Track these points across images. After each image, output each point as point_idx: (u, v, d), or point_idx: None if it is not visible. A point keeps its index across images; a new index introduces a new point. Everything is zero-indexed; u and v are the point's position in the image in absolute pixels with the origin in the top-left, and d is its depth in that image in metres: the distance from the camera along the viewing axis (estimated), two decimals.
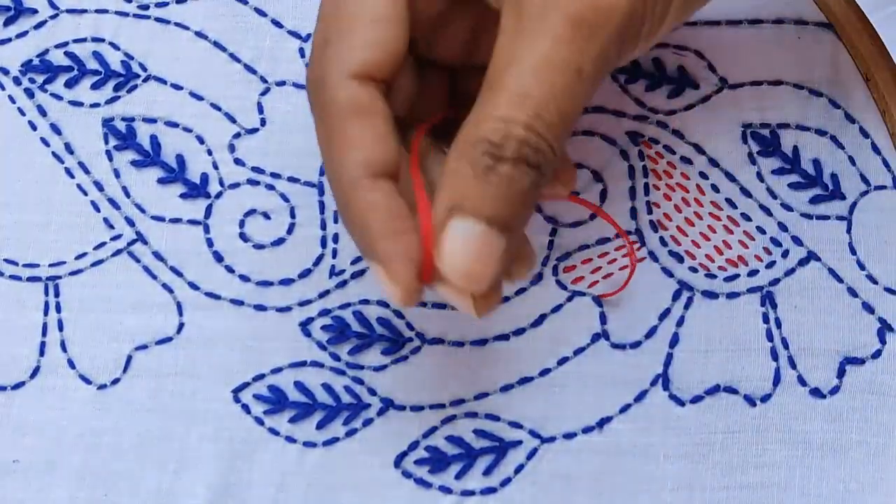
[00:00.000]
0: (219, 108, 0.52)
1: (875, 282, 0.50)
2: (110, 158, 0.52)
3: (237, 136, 0.52)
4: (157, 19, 0.53)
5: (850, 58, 0.52)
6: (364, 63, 0.40)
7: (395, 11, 0.41)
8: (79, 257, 0.51)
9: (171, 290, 0.50)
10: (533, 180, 0.38)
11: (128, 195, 0.51)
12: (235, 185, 0.51)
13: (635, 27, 0.40)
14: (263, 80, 0.53)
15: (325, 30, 0.41)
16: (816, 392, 0.49)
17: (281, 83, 0.53)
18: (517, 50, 0.38)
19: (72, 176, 0.51)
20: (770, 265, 0.50)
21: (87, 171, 0.51)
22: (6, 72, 0.53)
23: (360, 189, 0.40)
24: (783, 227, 0.51)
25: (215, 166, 0.52)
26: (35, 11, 0.53)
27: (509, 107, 0.38)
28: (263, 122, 0.52)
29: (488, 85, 0.39)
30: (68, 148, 0.52)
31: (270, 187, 0.51)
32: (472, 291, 0.40)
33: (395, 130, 0.41)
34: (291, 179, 0.51)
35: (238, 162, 0.52)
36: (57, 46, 0.53)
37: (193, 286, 0.50)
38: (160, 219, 0.51)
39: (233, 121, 0.52)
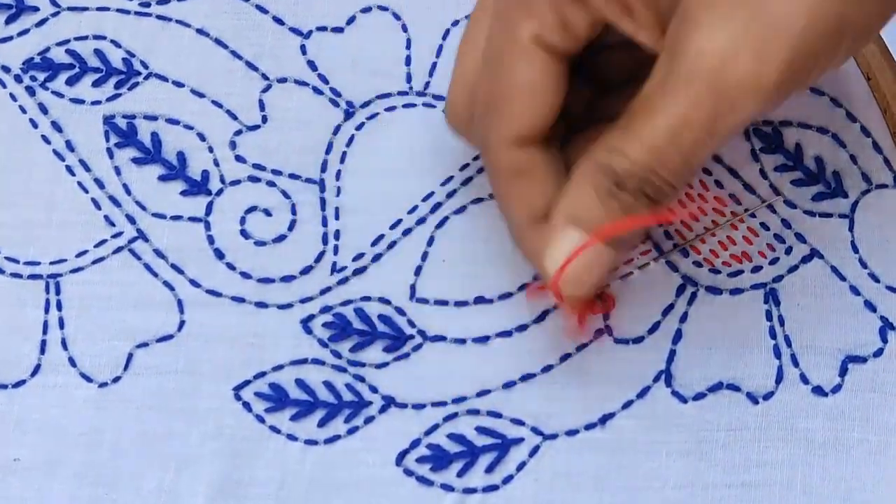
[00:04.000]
0: (220, 106, 0.52)
1: (877, 280, 0.50)
2: (111, 156, 0.52)
3: (238, 132, 0.52)
4: (159, 17, 0.53)
5: (852, 57, 0.52)
6: (522, 130, 0.44)
7: (550, 80, 0.44)
8: (80, 255, 0.50)
9: (172, 288, 0.50)
10: (649, 209, 0.43)
11: (129, 193, 0.51)
12: (236, 182, 0.51)
13: (781, 96, 0.42)
14: (265, 76, 0.53)
15: (488, 95, 0.45)
16: (818, 390, 0.49)
17: (282, 80, 0.53)
18: (658, 101, 0.41)
19: (73, 174, 0.51)
20: (774, 261, 0.50)
21: (87, 169, 0.51)
22: (7, 69, 0.53)
23: (529, 232, 0.45)
24: (787, 223, 0.51)
25: (216, 163, 0.52)
26: (36, 9, 0.53)
27: (639, 151, 0.41)
28: (265, 119, 0.52)
29: (626, 121, 0.42)
30: (69, 146, 0.52)
31: (272, 184, 0.51)
32: (567, 294, 0.44)
33: (554, 175, 0.45)
34: (293, 176, 0.51)
35: (239, 159, 0.52)
36: (58, 44, 0.53)
37: (194, 283, 0.50)
38: (161, 216, 0.51)
39: (234, 118, 0.52)
